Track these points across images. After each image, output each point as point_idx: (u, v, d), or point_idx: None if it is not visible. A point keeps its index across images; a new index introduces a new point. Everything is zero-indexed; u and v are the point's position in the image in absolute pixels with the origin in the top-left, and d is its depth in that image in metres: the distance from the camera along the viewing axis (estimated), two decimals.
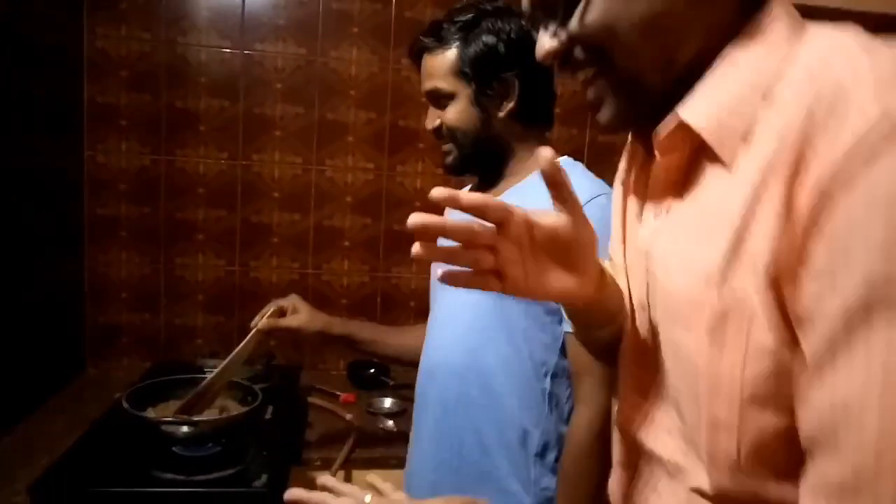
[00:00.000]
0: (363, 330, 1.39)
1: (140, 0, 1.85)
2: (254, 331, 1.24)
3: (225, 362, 1.26)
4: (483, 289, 0.57)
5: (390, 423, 1.66)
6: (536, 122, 1.17)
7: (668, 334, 0.57)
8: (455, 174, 1.20)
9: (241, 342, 1.25)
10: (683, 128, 0.53)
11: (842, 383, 0.43)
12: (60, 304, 1.81)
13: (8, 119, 1.47)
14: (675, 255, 0.56)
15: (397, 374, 1.92)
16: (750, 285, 0.48)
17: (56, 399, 1.70)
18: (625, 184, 0.70)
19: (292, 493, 0.70)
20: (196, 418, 1.17)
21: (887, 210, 0.40)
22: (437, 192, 0.52)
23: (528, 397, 1.07)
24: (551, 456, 1.08)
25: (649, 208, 0.61)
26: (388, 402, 1.79)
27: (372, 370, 1.94)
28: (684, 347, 0.54)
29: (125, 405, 1.18)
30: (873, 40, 0.47)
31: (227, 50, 1.92)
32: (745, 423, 0.50)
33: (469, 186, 1.32)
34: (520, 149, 1.15)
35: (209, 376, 1.27)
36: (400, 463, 1.30)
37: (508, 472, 1.07)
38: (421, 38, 1.14)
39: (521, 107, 1.12)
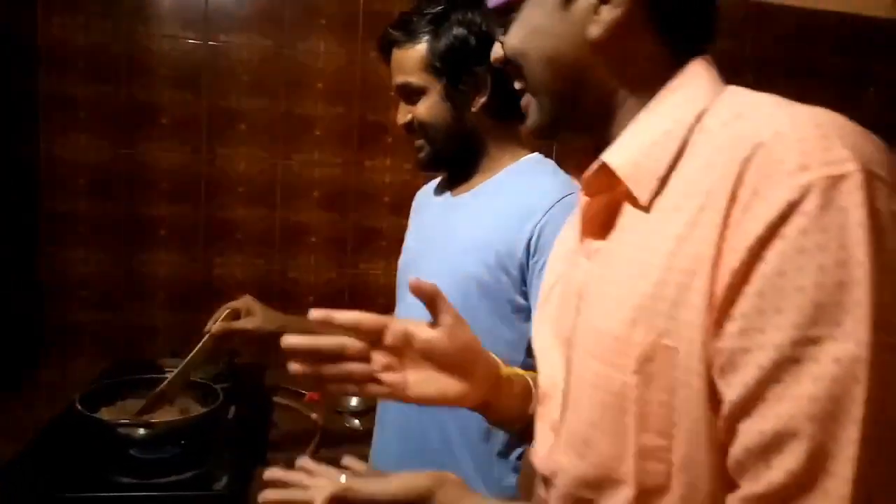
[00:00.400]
0: (321, 328, 1.36)
1: None
2: (207, 335, 1.21)
3: (180, 367, 1.23)
4: (364, 395, 0.69)
5: (356, 421, 1.64)
6: (509, 117, 1.15)
7: (589, 371, 0.59)
8: (427, 170, 1.18)
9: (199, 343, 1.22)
10: (605, 169, 0.58)
11: (772, 414, 0.45)
12: (14, 301, 1.74)
13: None
14: (603, 294, 0.59)
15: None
16: (673, 325, 0.51)
17: (9, 401, 1.64)
18: (571, 223, 0.76)
19: (272, 472, 0.71)
20: (153, 420, 1.14)
21: (811, 262, 0.44)
22: (315, 314, 0.65)
23: None
24: (514, 454, 1.07)
25: (580, 251, 0.65)
26: (353, 401, 1.76)
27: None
28: (610, 383, 0.56)
29: (78, 407, 1.14)
30: (788, 101, 0.51)
31: (191, 41, 1.87)
32: (674, 451, 0.52)
33: (439, 180, 1.30)
34: (492, 144, 1.14)
35: (166, 380, 1.23)
36: (366, 461, 1.29)
37: (471, 469, 1.06)
38: (389, 31, 1.11)
39: (494, 101, 1.10)
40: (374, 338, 0.67)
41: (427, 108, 1.09)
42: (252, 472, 1.32)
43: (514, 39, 0.64)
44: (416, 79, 1.08)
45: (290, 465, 1.29)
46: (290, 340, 0.64)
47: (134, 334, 1.94)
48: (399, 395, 0.68)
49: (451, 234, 1.13)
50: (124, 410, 1.24)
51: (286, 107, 1.94)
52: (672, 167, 0.54)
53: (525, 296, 1.07)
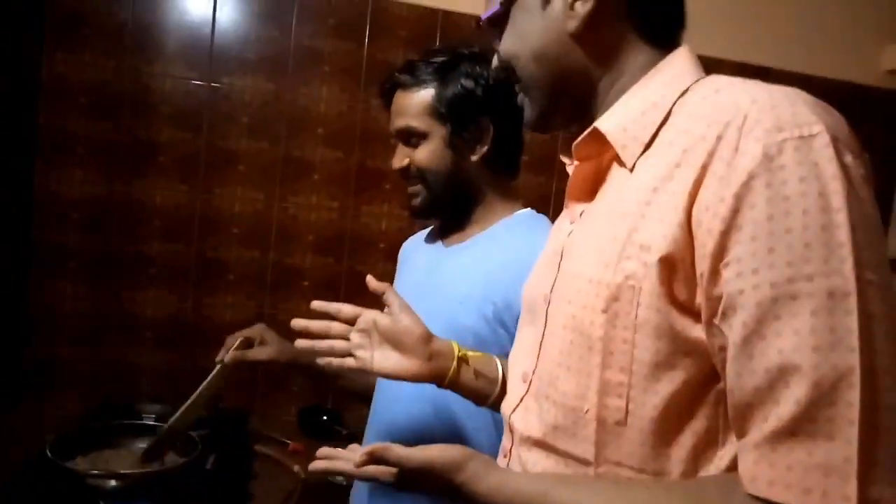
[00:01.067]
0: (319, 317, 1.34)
1: (104, 26, 1.81)
2: (219, 366, 1.16)
3: (189, 401, 1.17)
4: (344, 366, 0.87)
5: (339, 476, 1.58)
6: (505, 169, 1.15)
7: (563, 314, 0.65)
8: (421, 217, 1.17)
9: (203, 379, 1.17)
10: (596, 135, 0.66)
11: (773, 351, 0.49)
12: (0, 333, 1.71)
13: None
14: (582, 246, 0.65)
15: (350, 421, 1.84)
16: (639, 267, 0.57)
17: None
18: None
19: (298, 322, 0.92)
20: (124, 471, 1.09)
21: (796, 207, 0.49)
22: (315, 304, 0.91)
23: (478, 417, 1.04)
24: None
25: (565, 216, 0.73)
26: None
27: (324, 417, 1.87)
28: (580, 322, 0.61)
29: (49, 454, 1.10)
30: (763, 82, 0.57)
31: (194, 81, 1.88)
32: (634, 388, 0.58)
33: (430, 230, 1.28)
34: (488, 195, 1.14)
35: (172, 418, 1.18)
36: None
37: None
38: (396, 74, 1.12)
39: (493, 153, 1.11)
40: (351, 322, 0.88)
41: (428, 152, 1.09)
42: None
43: (506, 44, 0.73)
44: (419, 123, 1.09)
45: None
46: (297, 322, 0.91)
47: (117, 373, 1.89)
48: (367, 367, 0.85)
49: (445, 284, 1.11)
50: (101, 460, 1.19)
51: (286, 150, 1.94)
52: (655, 134, 0.62)
53: None
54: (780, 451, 0.49)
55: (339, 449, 0.81)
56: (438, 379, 0.87)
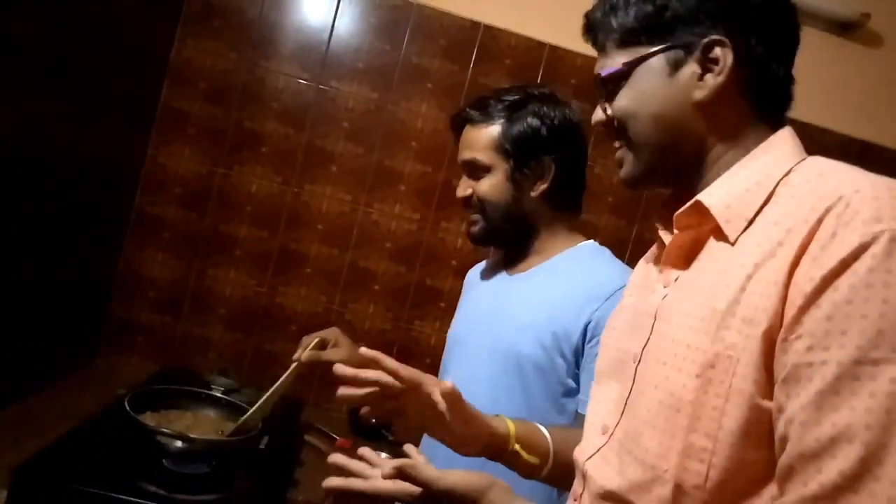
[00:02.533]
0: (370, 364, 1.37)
1: (234, 20, 1.94)
2: (295, 364, 1.23)
3: (266, 395, 1.24)
4: (384, 416, 0.89)
5: None
6: (565, 207, 1.18)
7: (655, 374, 0.66)
8: (477, 243, 1.21)
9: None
10: (699, 207, 0.67)
11: (828, 423, 0.51)
12: (87, 289, 1.83)
13: (87, 107, 1.53)
14: (680, 312, 0.66)
15: (398, 430, 1.87)
16: (739, 339, 0.58)
17: (60, 384, 1.70)
18: (643, 268, 0.85)
19: (335, 457, 0.84)
20: (192, 435, 1.15)
21: (877, 296, 0.51)
22: (365, 351, 0.84)
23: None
24: None
25: (660, 280, 0.74)
26: (383, 457, 1.74)
27: (374, 419, 1.90)
28: (672, 384, 0.63)
29: (127, 407, 1.17)
30: (864, 170, 0.59)
31: (304, 81, 1.98)
32: (716, 454, 0.59)
33: (487, 262, 1.31)
34: (545, 230, 1.16)
35: (250, 410, 1.24)
36: None
37: None
38: (467, 109, 1.17)
39: (553, 190, 1.14)
40: (406, 386, 0.83)
41: (490, 185, 1.13)
42: None
43: (624, 101, 0.73)
44: (484, 157, 1.13)
45: None
46: (340, 370, 0.83)
47: (188, 343, 1.99)
48: (410, 424, 0.87)
49: (506, 311, 1.13)
50: (167, 419, 1.27)
51: (378, 158, 2.01)
52: (759, 212, 0.64)
53: (577, 379, 1.06)
54: None
55: (356, 461, 0.82)
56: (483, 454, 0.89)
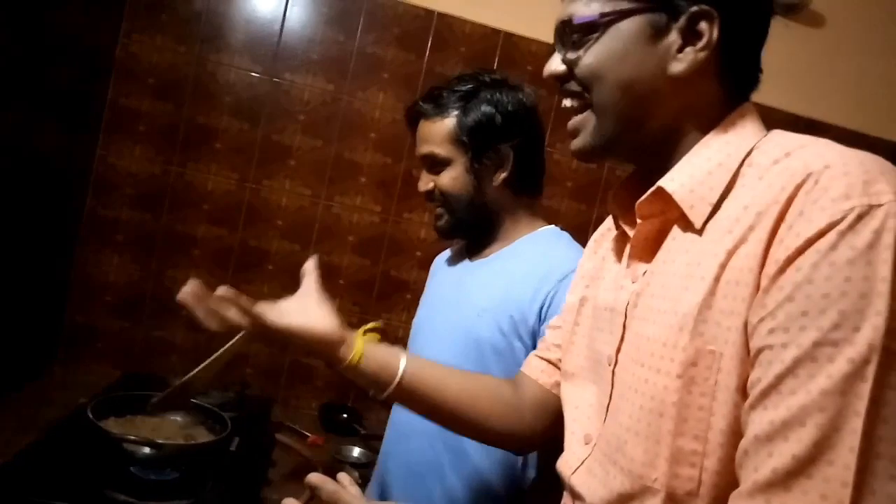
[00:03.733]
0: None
1: (181, 13, 1.88)
2: (242, 333, 1.18)
3: (209, 360, 1.19)
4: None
5: (356, 473, 1.60)
6: (526, 191, 1.18)
7: (634, 377, 0.63)
8: (444, 237, 1.22)
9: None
10: (660, 194, 0.64)
11: (783, 406, 0.50)
12: (41, 296, 1.76)
13: (28, 107, 1.47)
14: (653, 309, 0.63)
15: (370, 422, 1.87)
16: (719, 332, 0.56)
17: (16, 395, 1.64)
18: (596, 255, 0.81)
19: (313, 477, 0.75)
20: (160, 441, 1.13)
21: (839, 274, 0.49)
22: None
23: (502, 461, 1.05)
24: None
25: (626, 275, 0.69)
26: (356, 452, 1.74)
27: (344, 415, 1.89)
28: (653, 387, 0.60)
29: (89, 415, 1.14)
30: (833, 142, 0.57)
31: (256, 74, 1.94)
32: (708, 457, 0.56)
33: (452, 249, 1.32)
34: (509, 216, 1.17)
35: (190, 373, 1.20)
36: None
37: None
38: (420, 103, 1.16)
39: (514, 176, 1.14)
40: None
41: (450, 178, 1.13)
42: None
43: (592, 58, 0.66)
44: (442, 150, 1.12)
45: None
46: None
47: (149, 347, 1.94)
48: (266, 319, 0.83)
49: (466, 297, 1.14)
50: (132, 425, 1.23)
51: (337, 150, 1.99)
52: (724, 196, 0.60)
53: None
54: (772, 502, 0.49)
55: (332, 482, 0.75)
56: (342, 348, 0.84)
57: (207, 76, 1.92)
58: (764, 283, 0.53)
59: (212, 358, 1.20)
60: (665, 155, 0.67)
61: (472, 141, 1.11)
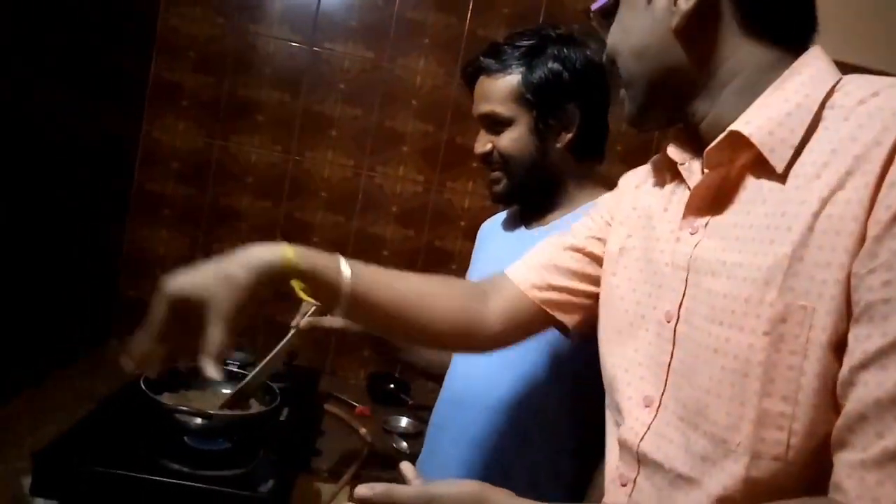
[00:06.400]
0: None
1: None
2: (293, 330, 1.19)
3: (263, 362, 1.21)
4: None
5: (404, 444, 1.61)
6: (590, 156, 1.13)
7: (709, 338, 0.59)
8: (502, 202, 1.16)
9: (278, 340, 1.20)
10: (733, 139, 0.60)
11: None
12: (95, 271, 1.80)
13: (75, 83, 1.48)
14: (723, 263, 0.59)
15: (417, 394, 1.86)
16: (812, 286, 0.52)
17: (75, 367, 1.69)
18: (637, 204, 0.78)
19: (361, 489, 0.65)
20: (211, 412, 1.13)
21: None
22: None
23: (564, 441, 1.02)
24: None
25: (683, 227, 0.67)
26: (403, 422, 1.73)
27: (392, 385, 1.89)
28: (735, 346, 0.56)
29: (143, 387, 1.15)
30: None
31: (296, 44, 1.91)
32: (797, 420, 0.53)
33: (510, 212, 1.27)
34: (572, 181, 1.11)
35: (247, 377, 1.23)
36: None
37: None
38: (481, 58, 1.10)
39: (579, 139, 1.08)
40: None
41: (512, 139, 1.07)
42: (295, 478, 1.31)
43: (610, 38, 0.72)
44: (504, 109, 1.06)
45: (332, 476, 1.25)
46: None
47: (201, 319, 1.96)
48: None
49: None
50: (186, 399, 1.25)
51: (378, 119, 1.96)
52: (806, 139, 0.57)
53: None
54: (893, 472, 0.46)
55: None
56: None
57: (247, 47, 1.90)
58: (874, 231, 0.49)
59: (264, 362, 1.21)
60: (707, 109, 0.66)
61: (538, 99, 1.05)
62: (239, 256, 0.76)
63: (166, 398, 1.22)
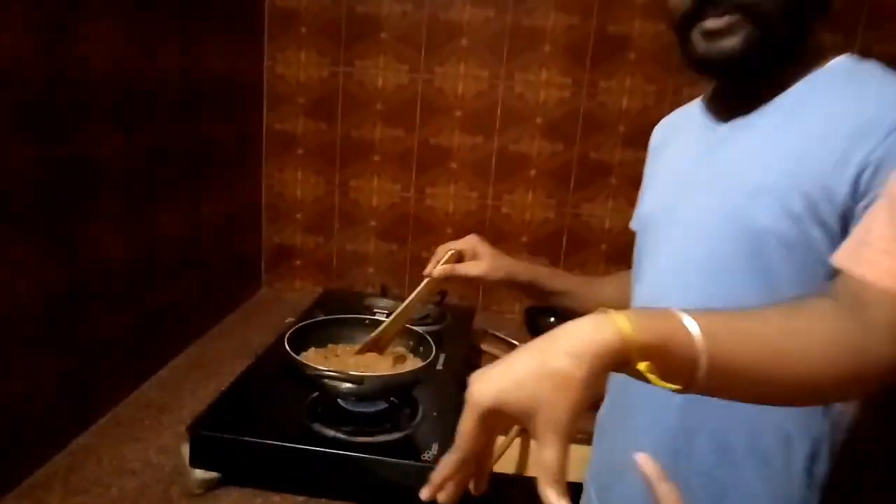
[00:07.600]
0: (553, 279, 1.14)
1: None
2: (427, 280, 1.05)
3: (397, 311, 1.10)
4: None
5: None
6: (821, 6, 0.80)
7: None
8: (732, 66, 0.81)
9: (415, 287, 1.08)
10: None
11: None
12: (239, 220, 1.77)
13: (190, 20, 1.37)
14: None
15: None
16: None
17: (231, 318, 1.68)
18: None
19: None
20: (362, 374, 1.02)
21: None
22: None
23: (759, 433, 0.78)
24: (821, 471, 0.79)
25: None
26: None
27: (552, 318, 1.71)
28: None
29: (287, 348, 1.06)
30: None
31: None
32: None
33: (691, 105, 0.98)
34: (812, 41, 0.80)
35: (382, 325, 1.12)
36: (585, 438, 1.07)
37: (761, 490, 0.79)
38: None
39: None
40: None
41: None
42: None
43: None
44: None
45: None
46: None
47: (345, 261, 1.90)
48: None
49: (726, 172, 0.80)
50: (334, 353, 1.16)
51: (513, 18, 1.70)
52: None
53: None
54: None
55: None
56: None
57: None
58: None
59: (401, 308, 1.09)
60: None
61: None
62: (561, 342, 0.52)
63: (312, 354, 1.13)
